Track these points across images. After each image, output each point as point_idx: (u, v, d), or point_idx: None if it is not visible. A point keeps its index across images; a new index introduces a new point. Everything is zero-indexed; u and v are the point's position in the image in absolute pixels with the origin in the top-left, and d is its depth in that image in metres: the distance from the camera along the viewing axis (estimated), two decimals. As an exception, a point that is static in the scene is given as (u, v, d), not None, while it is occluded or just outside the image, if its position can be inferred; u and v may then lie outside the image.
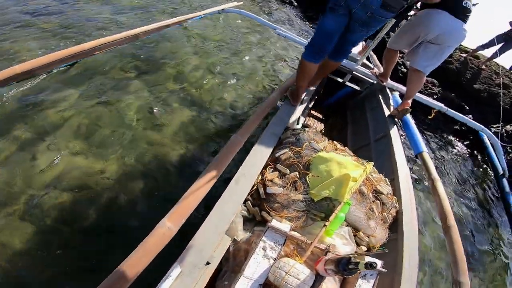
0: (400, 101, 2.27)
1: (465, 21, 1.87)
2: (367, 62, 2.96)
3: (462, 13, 1.87)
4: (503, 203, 3.01)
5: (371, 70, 2.61)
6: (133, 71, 2.60)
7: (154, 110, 2.27)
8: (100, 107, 2.11)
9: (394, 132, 1.88)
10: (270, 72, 3.49)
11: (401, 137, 1.90)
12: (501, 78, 5.02)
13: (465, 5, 1.74)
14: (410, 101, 2.12)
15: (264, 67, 3.53)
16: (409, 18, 2.12)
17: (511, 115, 4.62)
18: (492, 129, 4.22)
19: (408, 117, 2.05)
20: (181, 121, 2.29)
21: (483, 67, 5.37)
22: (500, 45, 5.14)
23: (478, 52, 5.68)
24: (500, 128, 4.30)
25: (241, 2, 3.41)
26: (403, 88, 2.60)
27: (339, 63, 1.88)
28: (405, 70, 4.65)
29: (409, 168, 1.63)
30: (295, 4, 7.59)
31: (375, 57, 3.18)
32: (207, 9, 2.82)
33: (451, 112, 2.69)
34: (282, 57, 3.95)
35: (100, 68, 2.46)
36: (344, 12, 1.44)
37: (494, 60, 5.45)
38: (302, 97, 1.92)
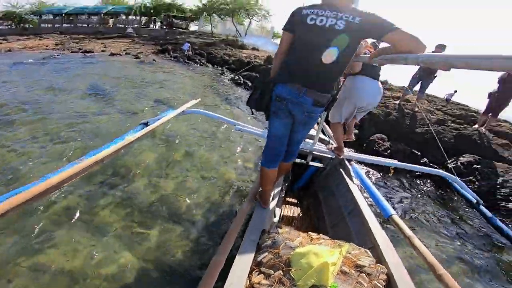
0: (360, 171, 2.45)
1: (378, 79, 2.29)
2: (323, 136, 3.07)
3: (376, 74, 2.28)
4: (493, 228, 3.04)
5: (327, 146, 2.74)
6: (105, 187, 2.66)
7: (131, 225, 2.18)
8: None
9: (362, 202, 1.99)
10: (239, 170, 3.41)
11: (371, 206, 2.01)
12: (428, 117, 5.58)
13: (375, 64, 2.04)
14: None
15: (233, 165, 3.47)
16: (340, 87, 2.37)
17: (457, 148, 4.97)
18: (449, 165, 4.48)
19: (370, 184, 2.22)
20: (156, 240, 2.18)
21: (416, 109, 6.01)
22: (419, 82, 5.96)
23: (407, 96, 6.39)
24: (452, 161, 4.62)
25: (199, 99, 3.38)
26: (360, 156, 2.78)
27: (290, 163, 1.95)
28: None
29: (387, 228, 1.66)
30: (249, 85, 8.24)
31: (327, 127, 3.28)
32: (166, 115, 2.67)
33: (406, 165, 2.87)
34: (248, 152, 3.88)
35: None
36: (286, 115, 1.56)
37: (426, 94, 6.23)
38: (272, 195, 1.99)
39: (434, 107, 8.71)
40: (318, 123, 2.70)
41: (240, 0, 24.40)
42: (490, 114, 5.76)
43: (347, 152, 2.78)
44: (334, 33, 1.35)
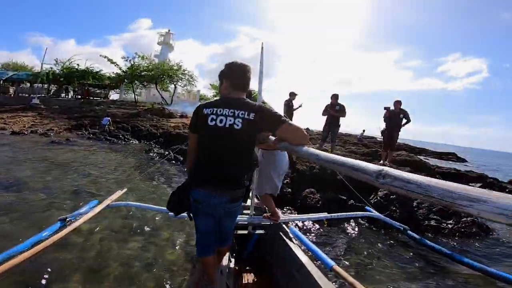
0: (297, 232, 2.63)
1: None
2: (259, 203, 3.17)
3: None
4: (426, 247, 3.42)
5: (264, 215, 2.83)
6: None
7: None
8: None
9: (306, 260, 2.13)
10: (175, 266, 3.01)
11: (315, 261, 2.15)
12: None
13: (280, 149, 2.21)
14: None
15: (167, 261, 3.05)
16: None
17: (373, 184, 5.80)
18: (371, 201, 5.06)
19: (308, 242, 2.44)
20: None
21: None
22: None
23: (324, 146, 7.25)
24: (373, 197, 5.24)
25: (125, 189, 3.12)
26: (295, 217, 3.01)
27: (228, 247, 1.97)
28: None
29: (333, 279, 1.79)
30: (181, 159, 7.79)
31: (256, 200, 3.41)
32: (89, 210, 2.45)
33: (334, 215, 3.16)
34: (185, 238, 3.50)
35: None
36: (207, 215, 1.59)
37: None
38: (220, 271, 2.03)
39: (347, 148, 10.07)
40: (250, 197, 2.80)
41: (163, 66, 24.17)
42: (388, 149, 6.90)
43: (283, 216, 2.95)
44: (234, 133, 1.46)
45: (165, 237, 3.49)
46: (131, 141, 11.44)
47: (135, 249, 3.14)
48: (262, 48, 2.63)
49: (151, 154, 8.98)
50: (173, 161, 7.85)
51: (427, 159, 15.44)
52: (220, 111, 1.49)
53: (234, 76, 1.60)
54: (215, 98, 1.93)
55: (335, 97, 6.87)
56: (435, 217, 4.67)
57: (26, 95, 23.34)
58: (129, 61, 24.31)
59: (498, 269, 2.81)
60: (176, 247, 3.27)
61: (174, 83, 25.98)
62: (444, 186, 0.63)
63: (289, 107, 7.74)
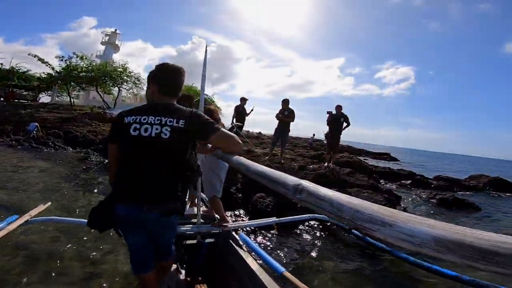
0: (247, 238, 2.61)
1: None
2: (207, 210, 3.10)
3: None
4: (368, 244, 3.59)
5: (212, 223, 2.77)
6: None
7: None
8: None
9: (256, 267, 2.11)
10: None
11: (266, 269, 2.11)
12: (292, 165, 6.76)
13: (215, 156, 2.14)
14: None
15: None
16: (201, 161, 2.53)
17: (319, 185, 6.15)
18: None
19: (258, 248, 2.44)
20: None
21: (282, 161, 7.07)
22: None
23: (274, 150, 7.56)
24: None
25: (49, 203, 2.85)
26: (245, 224, 2.98)
27: (171, 261, 1.83)
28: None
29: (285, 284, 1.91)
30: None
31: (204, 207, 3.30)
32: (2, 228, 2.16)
33: (283, 219, 3.28)
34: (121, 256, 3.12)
35: None
36: (136, 230, 1.42)
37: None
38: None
39: (296, 152, 10.49)
40: (196, 205, 2.72)
41: (105, 67, 22.29)
42: (332, 152, 7.33)
43: (233, 223, 2.91)
44: (161, 143, 1.32)
45: (103, 251, 3.10)
46: (64, 149, 10.21)
47: (63, 269, 2.69)
48: (206, 50, 2.57)
49: (87, 162, 8.09)
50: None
51: (366, 159, 16.97)
52: (144, 119, 1.34)
53: (164, 80, 1.45)
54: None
55: (285, 102, 7.08)
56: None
57: None
58: (65, 61, 21.81)
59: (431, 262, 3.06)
60: (117, 264, 2.93)
61: (118, 85, 24.15)
62: (356, 207, 0.61)
63: (238, 113, 7.72)
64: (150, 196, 1.34)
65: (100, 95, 23.93)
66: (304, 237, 4.21)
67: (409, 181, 9.58)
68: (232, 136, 1.42)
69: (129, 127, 1.33)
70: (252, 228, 3.96)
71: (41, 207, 2.76)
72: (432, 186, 9.34)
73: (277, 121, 7.18)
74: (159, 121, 1.33)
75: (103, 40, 32.56)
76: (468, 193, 9.21)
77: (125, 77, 23.49)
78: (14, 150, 9.10)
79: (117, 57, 29.65)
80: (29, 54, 22.08)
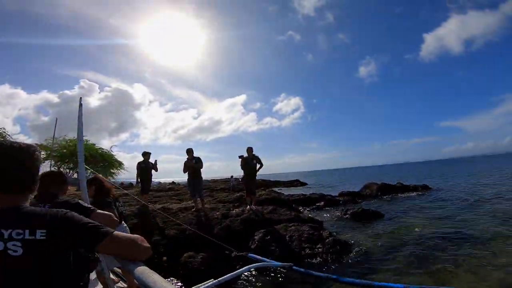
0: None
1: None
2: None
3: None
4: (315, 278, 3.39)
5: None
6: None
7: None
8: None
9: None
10: None
11: None
12: (215, 215, 6.46)
13: None
14: None
15: None
16: None
17: (248, 230, 5.74)
18: (251, 246, 5.06)
19: None
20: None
21: (202, 213, 6.67)
22: None
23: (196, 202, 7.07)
24: (251, 243, 5.34)
25: None
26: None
27: None
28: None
29: None
30: None
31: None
32: None
33: (222, 279, 2.79)
34: None
35: None
36: None
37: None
38: None
39: (215, 198, 10.05)
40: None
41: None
42: (251, 195, 7.28)
43: None
44: (11, 263, 0.85)
45: None
46: None
47: None
48: (80, 103, 2.19)
49: None
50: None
51: (280, 189, 17.94)
52: None
53: None
54: None
55: (189, 151, 6.88)
56: (307, 245, 5.10)
57: None
58: None
59: (377, 279, 3.13)
60: None
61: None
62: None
63: (142, 169, 6.98)
64: None
65: None
66: None
67: (322, 203, 10.48)
68: (133, 240, 0.99)
69: None
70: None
71: None
72: (340, 202, 10.50)
73: (184, 173, 6.85)
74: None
75: None
76: (368, 202, 10.72)
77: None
78: None
79: None
80: None
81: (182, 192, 11.47)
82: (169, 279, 4.17)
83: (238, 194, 10.38)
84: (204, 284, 2.72)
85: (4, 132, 18.80)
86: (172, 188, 17.22)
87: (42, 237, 0.87)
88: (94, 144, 19.89)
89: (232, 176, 19.19)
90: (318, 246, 5.06)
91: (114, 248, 0.96)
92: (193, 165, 6.73)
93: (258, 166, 7.16)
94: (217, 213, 6.56)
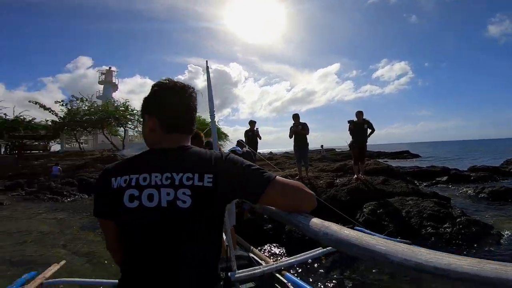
0: (298, 281, 2.09)
1: None
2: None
3: None
4: None
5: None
6: None
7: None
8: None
9: None
10: None
11: None
12: (319, 184, 6.29)
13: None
14: None
15: None
16: None
17: (355, 201, 5.46)
18: (359, 219, 4.94)
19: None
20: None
21: (306, 180, 6.70)
22: None
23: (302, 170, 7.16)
24: (360, 215, 5.11)
25: (64, 261, 2.68)
26: (287, 262, 2.50)
27: None
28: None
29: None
30: None
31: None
32: None
33: (331, 248, 2.77)
34: None
35: None
36: None
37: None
38: None
39: (316, 167, 9.89)
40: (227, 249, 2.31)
41: (106, 108, 21.84)
42: (359, 162, 6.76)
43: (273, 262, 2.54)
44: (178, 216, 0.78)
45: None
46: (80, 197, 9.96)
47: None
48: (207, 66, 2.27)
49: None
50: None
51: (386, 161, 16.21)
52: (144, 179, 0.80)
53: (167, 108, 0.89)
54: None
55: (296, 117, 6.77)
56: (429, 223, 4.45)
57: None
58: (66, 105, 21.75)
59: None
60: None
61: (123, 125, 23.63)
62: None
63: (248, 138, 7.28)
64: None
65: (107, 137, 23.12)
66: (359, 263, 3.60)
67: (445, 178, 8.87)
68: (298, 186, 0.85)
69: (122, 195, 0.80)
70: (295, 265, 3.43)
71: (56, 266, 2.53)
72: (472, 178, 8.61)
73: (290, 138, 6.87)
74: (169, 181, 0.79)
75: (100, 79, 30.57)
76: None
77: (128, 116, 22.90)
78: (30, 204, 8.92)
79: (117, 96, 28.84)
80: (29, 101, 21.78)
81: (281, 161, 11.85)
82: (273, 244, 4.44)
83: (338, 164, 9.97)
84: (313, 252, 2.72)
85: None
86: (271, 157, 18.22)
87: (209, 184, 0.79)
88: (205, 120, 22.08)
89: (322, 146, 18.46)
90: (446, 225, 4.34)
91: (279, 196, 0.82)
92: (299, 130, 6.67)
93: (369, 131, 6.55)
94: (321, 181, 6.47)
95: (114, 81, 31.18)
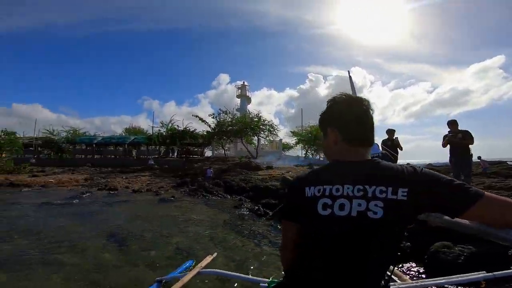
0: None
1: None
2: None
3: None
4: None
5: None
6: None
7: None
8: None
9: None
10: None
11: None
12: None
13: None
14: None
15: None
16: None
17: None
18: None
19: None
20: None
21: None
22: None
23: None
24: None
25: (215, 254, 2.97)
26: (439, 281, 2.02)
27: None
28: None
29: None
30: (270, 214, 7.29)
31: None
32: (181, 275, 2.51)
33: (500, 273, 1.92)
34: None
35: None
36: None
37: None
38: None
39: (479, 183, 7.81)
40: None
41: (244, 119, 25.17)
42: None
43: (412, 281, 2.06)
44: (368, 227, 0.82)
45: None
46: (224, 196, 11.85)
47: None
48: (349, 76, 2.20)
49: (242, 209, 8.92)
50: (263, 216, 7.66)
51: None
52: (337, 189, 0.88)
53: (348, 121, 0.96)
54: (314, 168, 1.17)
55: (453, 123, 5.80)
56: None
57: (144, 156, 27.22)
58: (215, 118, 26.50)
59: None
60: None
61: (257, 134, 26.61)
62: None
63: (388, 147, 6.65)
64: None
65: (244, 145, 26.82)
66: None
67: None
68: (506, 200, 0.82)
69: (316, 203, 0.89)
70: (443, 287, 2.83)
71: (209, 258, 2.86)
72: None
73: (444, 147, 5.81)
74: (361, 193, 0.85)
75: (237, 94, 36.14)
76: None
77: (261, 126, 25.71)
78: (192, 199, 11.35)
79: (250, 108, 33.03)
80: (192, 115, 29.37)
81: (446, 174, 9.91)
82: (411, 264, 3.85)
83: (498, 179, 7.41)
84: (471, 275, 2.09)
85: (273, 124, 26.46)
86: (432, 169, 15.59)
87: (403, 197, 0.81)
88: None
89: (480, 158, 13.83)
90: None
91: (487, 212, 0.80)
92: (457, 141, 5.64)
93: None
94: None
95: (248, 95, 36.42)
